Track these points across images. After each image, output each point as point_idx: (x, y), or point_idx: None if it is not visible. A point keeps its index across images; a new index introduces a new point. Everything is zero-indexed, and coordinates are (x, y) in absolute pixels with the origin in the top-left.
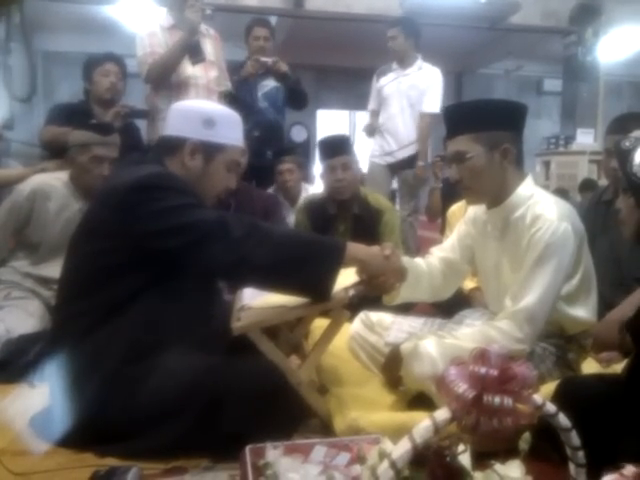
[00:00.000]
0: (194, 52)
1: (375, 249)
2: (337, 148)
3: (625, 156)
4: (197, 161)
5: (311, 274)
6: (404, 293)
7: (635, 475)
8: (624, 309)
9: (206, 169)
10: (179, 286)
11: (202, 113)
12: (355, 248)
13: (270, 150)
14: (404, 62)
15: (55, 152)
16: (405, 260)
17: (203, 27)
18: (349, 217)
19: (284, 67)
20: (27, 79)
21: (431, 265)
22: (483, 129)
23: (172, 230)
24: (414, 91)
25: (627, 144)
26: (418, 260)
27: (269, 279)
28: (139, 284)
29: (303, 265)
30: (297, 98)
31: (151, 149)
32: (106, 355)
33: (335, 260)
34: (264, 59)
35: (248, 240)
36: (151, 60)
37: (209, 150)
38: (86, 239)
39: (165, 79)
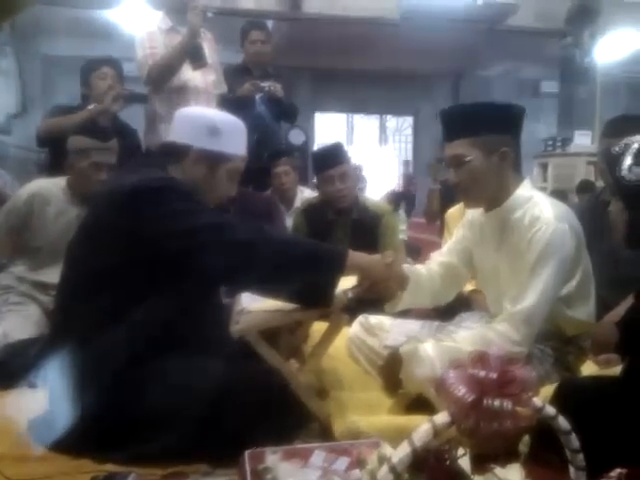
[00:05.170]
0: (195, 56)
1: (376, 257)
2: (333, 158)
3: (614, 161)
4: (200, 169)
5: (312, 282)
6: (405, 300)
7: (619, 476)
8: (622, 311)
9: (208, 177)
10: (181, 290)
11: (208, 121)
12: (356, 256)
13: (268, 153)
14: None
15: (52, 146)
16: (406, 267)
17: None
18: (348, 223)
19: (280, 93)
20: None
21: (431, 270)
22: (481, 133)
23: (176, 234)
24: None
25: (617, 149)
26: (418, 266)
27: (270, 285)
28: (140, 288)
29: (304, 272)
30: (288, 114)
31: (153, 153)
32: (105, 360)
33: (336, 268)
34: (262, 84)
35: (252, 245)
36: (151, 61)
37: (213, 159)
38: (87, 243)
39: (165, 81)
